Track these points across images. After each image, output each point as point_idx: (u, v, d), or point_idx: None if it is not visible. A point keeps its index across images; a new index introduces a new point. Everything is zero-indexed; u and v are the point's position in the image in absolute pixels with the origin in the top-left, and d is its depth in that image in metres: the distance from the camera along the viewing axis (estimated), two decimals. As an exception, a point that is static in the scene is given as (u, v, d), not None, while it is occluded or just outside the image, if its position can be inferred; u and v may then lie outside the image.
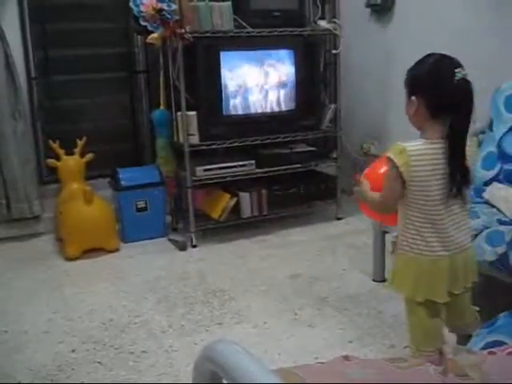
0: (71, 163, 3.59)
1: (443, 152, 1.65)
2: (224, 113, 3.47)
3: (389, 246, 2.62)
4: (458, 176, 1.65)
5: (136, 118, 4.06)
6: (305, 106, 3.71)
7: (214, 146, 3.47)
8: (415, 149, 1.65)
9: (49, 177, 3.80)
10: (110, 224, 3.47)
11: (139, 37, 3.79)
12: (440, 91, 1.64)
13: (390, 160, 1.66)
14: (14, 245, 3.62)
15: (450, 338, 1.94)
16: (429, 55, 1.69)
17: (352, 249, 3.37)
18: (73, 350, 2.36)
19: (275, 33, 3.51)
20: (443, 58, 1.67)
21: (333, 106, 3.81)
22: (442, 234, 1.69)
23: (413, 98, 1.68)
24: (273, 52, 3.60)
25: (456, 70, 1.60)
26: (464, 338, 1.90)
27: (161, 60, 3.56)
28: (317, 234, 3.66)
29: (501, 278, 2.21)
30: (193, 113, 3.39)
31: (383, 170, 1.87)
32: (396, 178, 1.67)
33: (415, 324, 1.79)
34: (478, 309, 1.86)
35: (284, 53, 3.63)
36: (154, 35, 3.27)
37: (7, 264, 3.32)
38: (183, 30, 3.22)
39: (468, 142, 1.67)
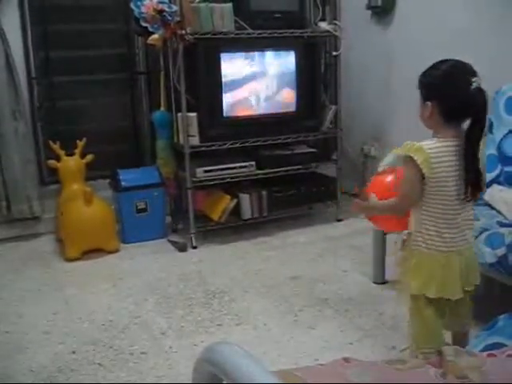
0: (71, 164, 3.59)
1: (456, 150, 1.68)
2: (224, 114, 3.47)
3: (390, 248, 2.63)
4: (472, 181, 1.68)
5: (136, 119, 4.05)
6: (305, 108, 3.71)
7: (214, 147, 3.46)
8: (432, 147, 1.67)
9: (49, 177, 3.81)
10: (110, 225, 3.47)
11: (140, 38, 3.78)
12: (456, 99, 1.66)
13: (409, 158, 1.66)
14: (15, 245, 3.62)
15: (448, 337, 1.94)
16: (442, 61, 1.70)
17: (352, 250, 3.37)
18: (73, 351, 2.36)
19: (276, 34, 3.51)
20: (458, 64, 1.68)
21: (333, 107, 3.81)
22: (454, 229, 1.73)
23: (428, 103, 1.70)
24: (273, 53, 3.60)
25: (472, 80, 1.62)
26: (460, 336, 1.91)
27: (161, 61, 3.57)
28: (317, 236, 3.66)
29: (500, 280, 2.21)
30: (193, 114, 3.39)
31: (389, 178, 1.90)
32: (416, 177, 1.67)
33: (419, 323, 1.80)
34: (471, 305, 1.87)
35: (284, 54, 3.63)
36: (155, 36, 3.27)
37: (8, 265, 3.32)
38: (184, 32, 3.22)
39: (481, 146, 1.70)
